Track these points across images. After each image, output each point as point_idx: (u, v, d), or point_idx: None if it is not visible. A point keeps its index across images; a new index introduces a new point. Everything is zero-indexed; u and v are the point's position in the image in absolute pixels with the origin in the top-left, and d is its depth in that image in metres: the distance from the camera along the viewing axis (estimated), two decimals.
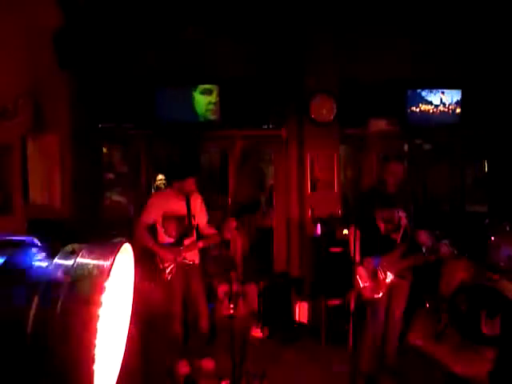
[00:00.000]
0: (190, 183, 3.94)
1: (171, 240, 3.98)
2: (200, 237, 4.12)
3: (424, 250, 3.64)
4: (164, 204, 3.99)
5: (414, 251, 3.67)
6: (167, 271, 3.88)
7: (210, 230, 4.14)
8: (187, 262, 3.98)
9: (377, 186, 3.83)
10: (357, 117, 5.74)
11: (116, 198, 6.27)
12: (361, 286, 3.57)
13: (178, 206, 3.99)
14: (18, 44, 3.45)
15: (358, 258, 3.47)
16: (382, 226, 3.65)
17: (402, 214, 3.67)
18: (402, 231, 3.68)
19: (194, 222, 4.07)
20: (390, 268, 3.59)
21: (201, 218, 4.13)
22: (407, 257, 3.64)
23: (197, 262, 4.09)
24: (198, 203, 4.11)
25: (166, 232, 4.00)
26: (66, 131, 4.63)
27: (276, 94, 5.68)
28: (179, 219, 4.01)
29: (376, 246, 3.62)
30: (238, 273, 4.36)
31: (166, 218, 3.98)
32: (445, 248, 3.62)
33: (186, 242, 4.01)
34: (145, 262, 3.88)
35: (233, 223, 4.04)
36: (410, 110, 5.93)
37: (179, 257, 3.92)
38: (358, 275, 3.55)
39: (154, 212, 3.97)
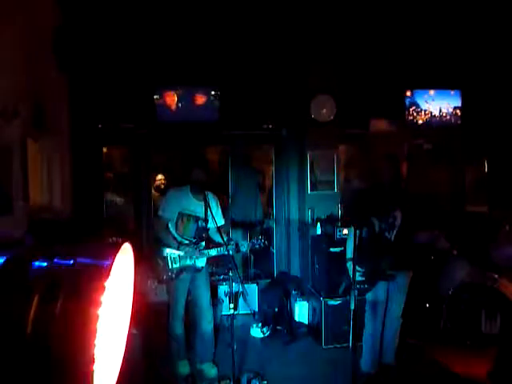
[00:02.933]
0: (198, 173, 3.78)
1: (185, 241, 3.83)
2: (210, 240, 3.95)
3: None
4: (181, 202, 3.85)
5: (411, 251, 3.66)
6: (173, 271, 3.82)
7: (218, 237, 3.84)
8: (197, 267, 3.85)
9: (374, 185, 3.82)
10: (357, 117, 5.74)
11: (116, 197, 6.27)
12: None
13: (196, 206, 3.85)
14: (18, 44, 3.44)
15: (353, 256, 3.47)
16: (375, 224, 3.65)
17: (397, 213, 3.65)
18: (395, 230, 3.66)
19: (209, 225, 3.88)
20: (390, 267, 3.58)
21: (215, 220, 3.80)
22: (403, 257, 3.63)
23: (203, 265, 3.95)
24: (214, 205, 3.93)
25: (179, 232, 3.84)
26: (65, 131, 4.63)
27: (276, 94, 5.68)
28: (195, 220, 3.86)
29: (370, 245, 3.60)
30: (238, 273, 4.34)
31: (182, 217, 3.84)
32: (442, 241, 3.60)
33: (200, 244, 3.87)
34: (149, 262, 3.83)
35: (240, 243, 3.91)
36: (409, 109, 5.94)
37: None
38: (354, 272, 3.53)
39: (171, 208, 3.83)
